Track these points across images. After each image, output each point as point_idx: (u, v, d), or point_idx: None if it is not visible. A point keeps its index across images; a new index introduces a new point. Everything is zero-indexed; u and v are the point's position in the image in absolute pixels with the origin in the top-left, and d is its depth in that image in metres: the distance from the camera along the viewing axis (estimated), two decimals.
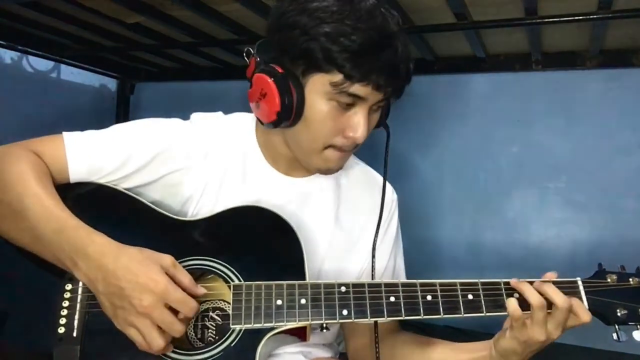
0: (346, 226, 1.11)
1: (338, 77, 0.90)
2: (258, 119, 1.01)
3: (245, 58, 1.01)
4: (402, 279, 1.19)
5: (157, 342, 0.83)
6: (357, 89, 0.91)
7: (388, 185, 1.14)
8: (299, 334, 0.94)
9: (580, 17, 1.59)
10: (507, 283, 0.95)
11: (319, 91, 0.93)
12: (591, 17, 1.58)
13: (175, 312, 0.85)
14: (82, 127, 1.05)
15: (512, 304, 0.91)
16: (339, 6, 0.89)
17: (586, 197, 2.04)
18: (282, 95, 0.92)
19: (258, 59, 0.97)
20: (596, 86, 2.03)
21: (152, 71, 2.84)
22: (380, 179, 1.13)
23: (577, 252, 2.04)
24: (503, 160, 2.18)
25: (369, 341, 1.10)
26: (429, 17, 1.71)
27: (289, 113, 0.93)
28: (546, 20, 1.63)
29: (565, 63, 2.06)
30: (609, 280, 0.96)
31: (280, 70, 0.93)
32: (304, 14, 0.90)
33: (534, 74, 2.13)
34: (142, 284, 0.82)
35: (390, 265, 1.16)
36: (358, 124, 0.94)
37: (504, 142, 2.17)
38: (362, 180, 1.16)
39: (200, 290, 0.89)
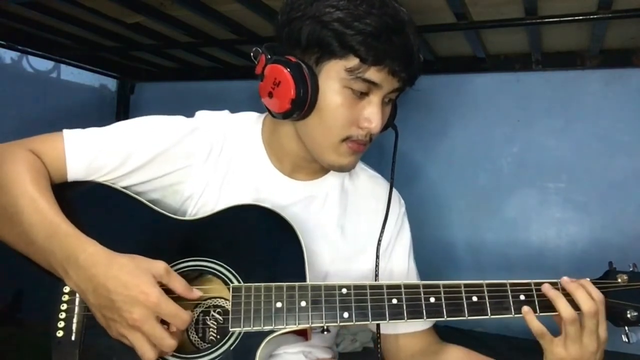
0: (350, 233, 1.09)
1: (353, 61, 0.89)
2: (270, 113, 0.99)
3: (253, 58, 1.00)
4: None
5: (148, 355, 0.83)
6: (372, 74, 0.90)
7: (396, 194, 1.13)
8: (301, 333, 0.93)
9: (580, 17, 1.59)
10: (514, 284, 0.92)
11: (333, 78, 0.92)
12: (591, 17, 1.58)
13: (167, 323, 0.84)
14: (82, 127, 1.03)
15: (534, 324, 0.89)
16: None
17: (586, 197, 2.04)
18: (297, 82, 0.91)
19: (269, 55, 0.97)
20: (596, 86, 2.03)
21: (152, 71, 2.84)
22: (386, 186, 1.12)
23: (577, 252, 2.04)
24: (503, 160, 2.18)
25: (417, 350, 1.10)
26: (429, 17, 1.70)
27: (304, 101, 0.92)
28: (546, 20, 1.63)
29: (565, 63, 2.06)
30: (619, 280, 0.93)
31: (293, 60, 0.93)
32: (314, 4, 0.91)
33: (534, 74, 2.13)
34: (132, 297, 0.81)
35: (411, 273, 1.13)
36: (372, 113, 0.93)
37: (504, 142, 2.18)
38: (369, 188, 1.14)
39: (196, 293, 0.88)
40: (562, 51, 2.05)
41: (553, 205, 2.09)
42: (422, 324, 1.10)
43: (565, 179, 2.08)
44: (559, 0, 1.53)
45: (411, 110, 2.15)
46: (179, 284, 0.86)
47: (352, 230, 1.09)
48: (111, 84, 2.88)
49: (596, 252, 1.99)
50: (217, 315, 0.96)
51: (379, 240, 1.06)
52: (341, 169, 1.01)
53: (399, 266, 1.12)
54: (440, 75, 2.24)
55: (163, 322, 0.84)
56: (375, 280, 1.03)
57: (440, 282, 0.92)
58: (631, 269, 0.95)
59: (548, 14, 1.61)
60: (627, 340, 0.92)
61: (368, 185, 1.14)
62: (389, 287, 0.92)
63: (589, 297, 0.88)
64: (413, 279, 1.13)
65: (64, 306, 0.92)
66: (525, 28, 1.78)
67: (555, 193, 2.09)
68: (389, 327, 1.11)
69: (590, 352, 0.88)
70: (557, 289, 0.92)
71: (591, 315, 0.87)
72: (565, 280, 0.92)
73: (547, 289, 0.91)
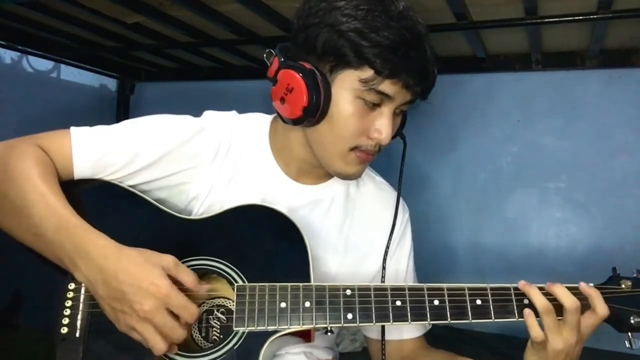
0: (354, 239, 1.10)
1: (368, 73, 0.89)
2: (280, 117, 0.99)
3: (266, 59, 1.00)
4: None
5: (159, 347, 0.83)
6: (386, 86, 0.91)
7: (401, 201, 1.13)
8: (304, 335, 0.94)
9: (580, 17, 1.59)
10: (517, 288, 0.92)
11: (346, 88, 0.92)
12: (591, 17, 1.58)
13: (176, 316, 0.85)
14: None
15: (534, 328, 0.89)
16: (370, 5, 0.90)
17: (586, 197, 2.04)
18: (310, 90, 0.91)
19: (282, 59, 0.96)
20: (596, 86, 2.03)
21: (152, 71, 2.84)
22: (392, 193, 1.13)
23: (577, 252, 2.04)
24: (503, 160, 2.18)
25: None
26: (429, 17, 1.70)
27: (316, 109, 0.92)
28: (546, 20, 1.63)
29: (565, 63, 2.07)
30: (623, 286, 0.93)
31: (307, 66, 0.93)
32: (332, 12, 0.90)
33: (534, 74, 2.13)
34: (144, 288, 0.82)
35: (409, 281, 1.14)
36: (383, 124, 0.94)
37: (504, 142, 2.18)
38: (374, 194, 1.14)
39: (204, 288, 0.89)
40: (562, 51, 2.05)
41: (553, 205, 2.09)
42: (411, 332, 1.12)
43: (565, 179, 2.08)
44: (559, 0, 1.53)
45: (410, 111, 2.15)
46: (187, 277, 0.87)
47: (356, 236, 1.10)
48: (111, 84, 2.88)
49: (596, 252, 2.00)
50: (221, 315, 0.96)
51: (386, 251, 1.06)
52: (347, 177, 1.02)
53: (397, 272, 1.12)
54: (440, 75, 2.22)
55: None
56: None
57: (445, 285, 0.92)
58: (635, 275, 0.95)
59: (548, 14, 1.61)
60: (629, 346, 0.92)
61: (374, 192, 1.15)
62: (393, 289, 0.92)
63: (569, 293, 0.89)
64: (410, 282, 1.12)
65: (69, 303, 0.92)
66: (525, 28, 1.78)
67: (555, 193, 2.09)
68: (374, 333, 1.12)
69: (569, 345, 0.88)
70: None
71: (573, 311, 0.88)
72: (549, 284, 0.92)
73: (522, 285, 0.92)
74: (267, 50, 1.00)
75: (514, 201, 2.15)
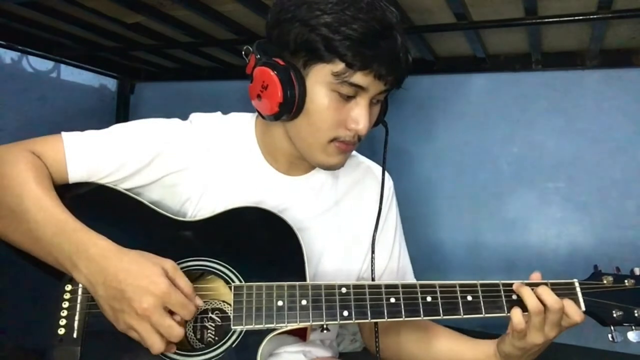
0: (346, 221, 1.12)
1: (340, 66, 0.91)
2: (259, 114, 1.01)
3: (245, 57, 1.02)
4: (408, 264, 1.21)
5: (157, 345, 0.83)
6: (359, 78, 0.92)
7: (387, 178, 1.16)
8: (300, 334, 0.95)
9: (580, 17, 1.59)
10: (506, 285, 0.96)
11: (320, 82, 0.93)
12: (591, 17, 1.58)
13: (173, 314, 0.85)
14: (82, 127, 1.05)
15: (517, 315, 0.94)
16: None
17: (586, 197, 2.04)
18: (284, 86, 0.92)
19: (258, 55, 0.98)
20: (596, 86, 2.03)
21: (152, 71, 2.84)
22: (377, 169, 1.16)
23: (577, 252, 2.04)
24: (503, 160, 2.17)
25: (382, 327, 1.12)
26: (429, 17, 1.71)
27: (291, 104, 0.94)
28: (546, 20, 1.63)
29: (565, 63, 2.06)
30: (605, 281, 0.98)
31: (281, 62, 0.94)
32: (303, 7, 0.92)
33: (534, 74, 2.13)
34: (143, 286, 0.82)
35: (395, 254, 1.17)
36: (359, 115, 0.95)
37: (504, 142, 2.17)
38: (360, 173, 1.18)
39: (199, 301, 0.89)
40: (562, 51, 2.05)
41: (553, 205, 2.09)
42: None
43: (565, 179, 2.07)
44: (559, 0, 1.53)
45: (411, 110, 2.15)
46: (184, 284, 0.87)
47: (347, 218, 1.13)
48: (111, 84, 2.88)
49: (597, 251, 1.99)
50: (216, 318, 0.97)
51: (373, 238, 1.09)
52: (330, 167, 1.04)
53: (384, 251, 1.16)
54: (440, 75, 2.24)
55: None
56: (372, 277, 1.06)
57: (437, 282, 0.95)
58: (615, 272, 1.00)
59: (548, 14, 1.61)
60: (612, 339, 0.96)
61: (359, 172, 1.18)
62: (387, 286, 0.94)
63: (552, 294, 0.94)
64: (395, 261, 1.17)
65: (66, 304, 0.93)
66: (525, 28, 1.78)
67: (555, 193, 2.09)
68: None
69: (548, 340, 0.94)
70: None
71: (555, 310, 0.92)
72: (534, 276, 0.98)
73: (516, 286, 0.96)
74: (244, 47, 1.01)
75: (514, 201, 2.15)
